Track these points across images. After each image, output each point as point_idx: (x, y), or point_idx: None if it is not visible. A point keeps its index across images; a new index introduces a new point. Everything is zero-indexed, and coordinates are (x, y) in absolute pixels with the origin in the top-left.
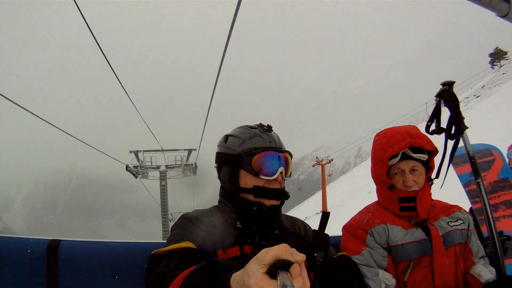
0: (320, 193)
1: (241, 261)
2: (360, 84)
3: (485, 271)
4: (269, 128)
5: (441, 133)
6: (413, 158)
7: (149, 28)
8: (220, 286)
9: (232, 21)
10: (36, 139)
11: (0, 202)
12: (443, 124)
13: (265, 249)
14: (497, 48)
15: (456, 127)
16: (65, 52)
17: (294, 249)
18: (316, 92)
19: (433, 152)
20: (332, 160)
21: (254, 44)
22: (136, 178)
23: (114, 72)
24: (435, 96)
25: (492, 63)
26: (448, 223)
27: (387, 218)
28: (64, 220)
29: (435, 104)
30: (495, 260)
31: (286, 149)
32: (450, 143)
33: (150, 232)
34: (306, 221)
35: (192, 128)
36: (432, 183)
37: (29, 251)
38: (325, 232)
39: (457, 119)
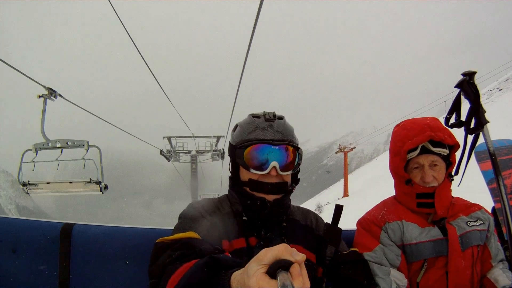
0: (354, 177)
1: (247, 253)
2: (392, 71)
3: (502, 276)
4: (273, 117)
5: (461, 126)
6: (433, 153)
7: (178, 14)
8: (220, 284)
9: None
10: (65, 121)
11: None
12: (463, 117)
13: (265, 249)
14: None
15: (476, 121)
16: (98, 43)
17: (294, 249)
18: (349, 79)
19: (454, 146)
20: (354, 148)
21: (287, 29)
22: (168, 161)
23: (145, 62)
24: (455, 87)
25: None
26: (467, 223)
27: (403, 214)
28: (92, 199)
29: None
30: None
31: (307, 137)
32: (471, 137)
33: (175, 212)
34: (327, 207)
35: (221, 115)
36: (453, 179)
37: (43, 233)
38: (338, 226)
39: (477, 112)
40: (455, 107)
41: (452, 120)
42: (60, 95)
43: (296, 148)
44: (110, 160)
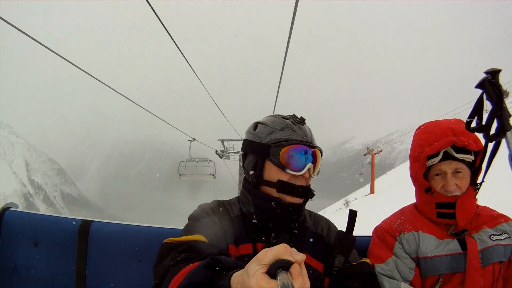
0: (381, 177)
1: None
2: (439, 67)
3: None
4: (302, 121)
5: (482, 131)
6: (456, 159)
7: (222, 12)
8: (220, 285)
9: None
10: (113, 113)
11: (75, 170)
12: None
13: (265, 249)
14: None
15: (499, 126)
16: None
17: (294, 249)
18: (395, 76)
19: (480, 152)
20: (381, 150)
21: (333, 25)
22: (221, 158)
23: (193, 70)
24: (476, 87)
25: None
26: (490, 236)
27: (421, 224)
28: (136, 190)
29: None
30: None
31: (352, 134)
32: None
33: None
34: (354, 202)
35: (264, 113)
36: (478, 188)
37: (63, 229)
38: (353, 234)
39: (499, 116)
40: (477, 109)
41: (474, 124)
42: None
43: (321, 153)
44: (154, 152)
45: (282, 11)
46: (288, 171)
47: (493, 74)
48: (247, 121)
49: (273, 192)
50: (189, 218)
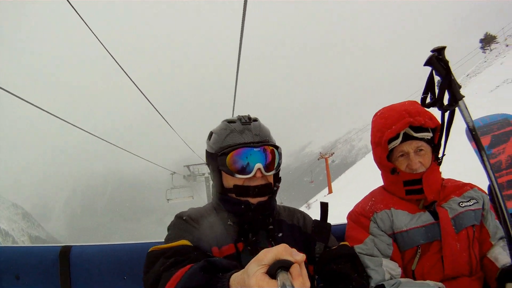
0: (340, 176)
1: (236, 259)
2: (389, 63)
3: (502, 255)
4: (248, 120)
5: (435, 105)
6: (416, 138)
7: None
8: (219, 286)
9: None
10: (72, 148)
11: (41, 212)
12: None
13: (265, 249)
14: (486, 33)
15: (450, 97)
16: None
17: (294, 249)
18: (347, 76)
19: (437, 128)
20: (333, 153)
21: (283, 31)
22: (188, 182)
23: (141, 91)
24: (424, 65)
25: (483, 48)
26: (459, 203)
27: (392, 202)
28: (104, 223)
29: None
30: (508, 245)
31: (309, 139)
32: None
33: None
34: (315, 203)
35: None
36: (441, 162)
37: (43, 258)
38: (328, 221)
39: (449, 87)
40: (429, 86)
41: (428, 100)
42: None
43: (276, 147)
44: (117, 183)
45: (231, 22)
46: (237, 175)
47: (439, 51)
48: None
49: (233, 196)
50: (169, 228)
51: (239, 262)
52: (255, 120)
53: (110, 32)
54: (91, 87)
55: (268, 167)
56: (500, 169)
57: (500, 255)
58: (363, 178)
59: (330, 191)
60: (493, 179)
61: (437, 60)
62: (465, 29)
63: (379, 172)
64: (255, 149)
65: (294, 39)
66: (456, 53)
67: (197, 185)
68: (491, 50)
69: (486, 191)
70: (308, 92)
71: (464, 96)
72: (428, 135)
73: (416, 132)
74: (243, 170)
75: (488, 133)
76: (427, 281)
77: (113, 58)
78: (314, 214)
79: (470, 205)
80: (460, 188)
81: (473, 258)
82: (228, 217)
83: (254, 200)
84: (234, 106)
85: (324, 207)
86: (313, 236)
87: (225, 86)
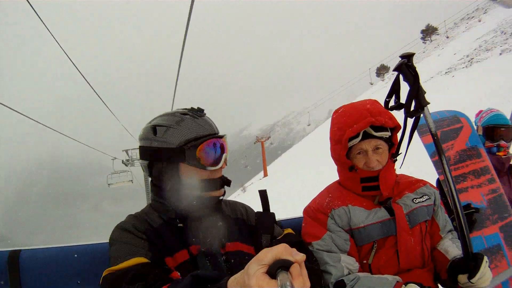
0: (277, 159)
1: (191, 265)
2: (323, 48)
3: (452, 247)
4: (202, 112)
5: (401, 109)
6: (375, 137)
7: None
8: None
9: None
10: (3, 134)
11: None
12: (403, 99)
13: (265, 249)
14: (428, 24)
15: (417, 103)
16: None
17: (294, 249)
18: (285, 60)
19: (395, 128)
20: (269, 137)
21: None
22: (127, 166)
23: (82, 74)
24: (393, 70)
25: (423, 38)
26: (413, 200)
27: (349, 199)
28: (41, 211)
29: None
30: (461, 238)
31: (248, 121)
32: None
33: (124, 212)
34: (250, 187)
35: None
36: (396, 160)
37: None
38: (270, 211)
39: (417, 94)
40: (394, 90)
41: (392, 103)
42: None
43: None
44: (51, 168)
45: (175, 7)
46: (209, 168)
47: (408, 57)
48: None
49: (195, 192)
50: (112, 243)
51: (195, 267)
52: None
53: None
54: (22, 60)
55: (227, 159)
56: (448, 164)
57: (450, 248)
58: (298, 162)
59: (265, 175)
60: (449, 177)
61: (407, 66)
62: (409, 19)
63: (315, 155)
64: (219, 140)
65: (236, 19)
66: (398, 42)
67: (135, 170)
68: (431, 41)
69: (436, 185)
70: (248, 73)
71: (429, 103)
72: (386, 134)
73: (376, 131)
74: (214, 162)
75: (438, 129)
76: (385, 275)
77: (48, 30)
78: (250, 198)
79: (423, 201)
80: (413, 184)
81: (425, 251)
82: (175, 217)
83: (218, 193)
84: (176, 88)
85: (263, 195)
86: (258, 228)
87: (168, 67)
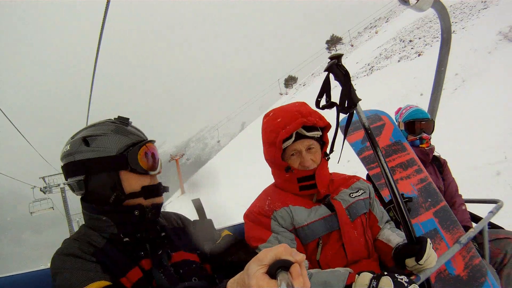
0: (195, 175)
1: (146, 281)
2: (233, 64)
3: (393, 235)
4: (128, 121)
5: (332, 107)
6: (307, 137)
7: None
8: None
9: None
10: None
11: None
12: (334, 98)
13: (265, 249)
14: (332, 35)
15: (349, 101)
16: None
17: (294, 249)
18: (197, 75)
19: (326, 127)
20: (183, 154)
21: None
22: (45, 194)
23: None
24: (325, 71)
25: (328, 48)
26: (349, 194)
27: (288, 199)
28: None
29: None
30: (404, 224)
31: (162, 139)
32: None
33: (49, 242)
34: (169, 205)
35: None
36: (329, 158)
37: None
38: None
39: (349, 92)
40: (325, 89)
41: (323, 102)
42: None
43: None
44: None
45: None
46: (151, 172)
47: (337, 58)
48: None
49: (139, 201)
50: (59, 272)
51: (150, 283)
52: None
53: None
54: None
55: None
56: (374, 161)
57: (391, 236)
58: (215, 176)
59: (182, 192)
60: (386, 168)
61: (337, 66)
62: (315, 29)
63: (231, 169)
64: (153, 145)
65: (149, 32)
66: (305, 52)
67: (53, 196)
68: (336, 51)
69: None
70: (159, 91)
71: (360, 99)
72: (318, 133)
73: (307, 131)
74: (155, 167)
75: (362, 128)
76: (337, 268)
77: None
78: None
79: (359, 195)
80: (347, 180)
81: (369, 242)
82: (119, 232)
83: (159, 200)
84: (89, 106)
85: (197, 204)
86: (198, 235)
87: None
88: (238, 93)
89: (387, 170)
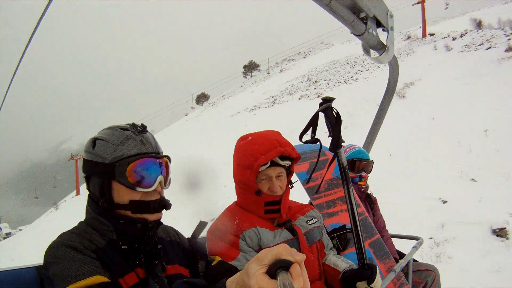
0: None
1: (142, 287)
2: (151, 70)
3: (339, 261)
4: (143, 129)
5: (316, 143)
6: (279, 165)
7: None
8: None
9: None
10: None
11: None
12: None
13: (265, 249)
14: (251, 61)
15: (337, 142)
16: None
17: (294, 249)
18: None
19: (296, 158)
20: (83, 155)
21: None
22: None
23: None
24: (319, 111)
25: (245, 73)
26: (306, 222)
27: (255, 221)
28: None
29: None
30: (358, 251)
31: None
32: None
33: None
34: (63, 203)
35: None
36: (292, 186)
37: None
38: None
39: (339, 133)
40: (312, 126)
41: (308, 137)
42: None
43: (170, 161)
44: None
45: None
46: (139, 189)
47: (331, 101)
48: None
49: (126, 213)
50: (56, 261)
51: None
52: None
53: None
54: None
55: (167, 181)
56: (319, 191)
57: (337, 262)
58: None
59: (78, 193)
60: (352, 200)
61: (331, 110)
62: (237, 52)
63: None
64: (157, 160)
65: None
66: (223, 72)
67: None
68: (251, 76)
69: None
70: (68, 84)
71: (344, 141)
72: (288, 163)
73: (281, 160)
74: (145, 183)
75: (307, 160)
76: None
77: None
78: (63, 216)
79: (314, 223)
80: (302, 208)
81: (320, 265)
82: (118, 239)
83: (152, 217)
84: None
85: (202, 226)
86: (195, 253)
87: None
88: (152, 100)
89: (353, 203)
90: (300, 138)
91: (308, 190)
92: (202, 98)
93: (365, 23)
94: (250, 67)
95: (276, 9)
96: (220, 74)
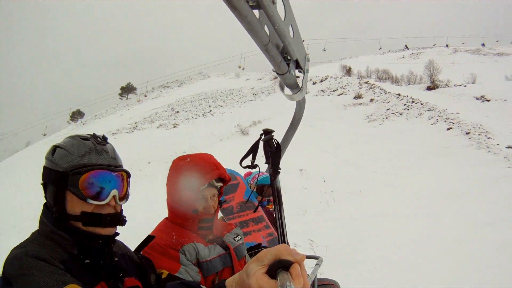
0: None
1: None
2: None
3: None
4: (104, 140)
5: (254, 168)
6: (214, 186)
7: None
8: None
9: None
10: None
11: None
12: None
13: (265, 249)
14: (129, 83)
15: (276, 168)
16: None
17: (294, 249)
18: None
19: (227, 181)
20: None
21: None
22: None
23: None
24: (262, 140)
25: (121, 95)
26: (233, 238)
27: (191, 237)
28: None
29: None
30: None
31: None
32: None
33: None
34: None
35: None
36: (221, 206)
37: None
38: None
39: (278, 161)
40: (253, 153)
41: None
42: None
43: (129, 176)
44: None
45: None
46: (90, 201)
47: (271, 133)
48: None
49: (78, 225)
50: (22, 273)
51: None
52: (107, 140)
53: None
54: None
55: (124, 196)
56: (232, 212)
57: None
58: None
59: None
60: (283, 221)
61: (272, 140)
62: (119, 70)
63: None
64: (113, 173)
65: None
66: (107, 90)
67: None
68: (127, 98)
69: None
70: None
71: (281, 169)
72: (221, 184)
73: (217, 182)
74: (98, 196)
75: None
76: None
77: None
78: None
79: (239, 240)
80: (227, 226)
81: None
82: (78, 254)
83: (103, 231)
84: None
85: (149, 239)
86: (146, 267)
87: None
88: (27, 109)
89: (284, 223)
90: (240, 162)
91: (223, 211)
92: (76, 115)
93: (288, 64)
94: (127, 90)
95: (167, 34)
96: (102, 92)
